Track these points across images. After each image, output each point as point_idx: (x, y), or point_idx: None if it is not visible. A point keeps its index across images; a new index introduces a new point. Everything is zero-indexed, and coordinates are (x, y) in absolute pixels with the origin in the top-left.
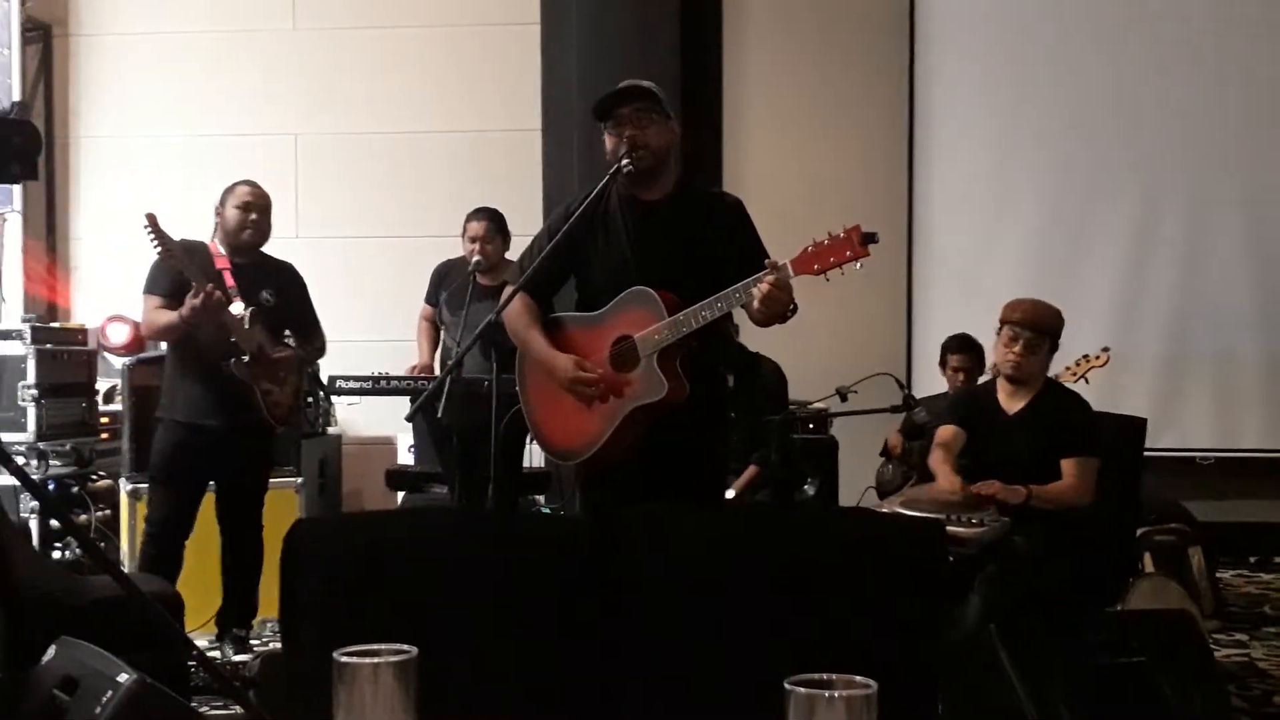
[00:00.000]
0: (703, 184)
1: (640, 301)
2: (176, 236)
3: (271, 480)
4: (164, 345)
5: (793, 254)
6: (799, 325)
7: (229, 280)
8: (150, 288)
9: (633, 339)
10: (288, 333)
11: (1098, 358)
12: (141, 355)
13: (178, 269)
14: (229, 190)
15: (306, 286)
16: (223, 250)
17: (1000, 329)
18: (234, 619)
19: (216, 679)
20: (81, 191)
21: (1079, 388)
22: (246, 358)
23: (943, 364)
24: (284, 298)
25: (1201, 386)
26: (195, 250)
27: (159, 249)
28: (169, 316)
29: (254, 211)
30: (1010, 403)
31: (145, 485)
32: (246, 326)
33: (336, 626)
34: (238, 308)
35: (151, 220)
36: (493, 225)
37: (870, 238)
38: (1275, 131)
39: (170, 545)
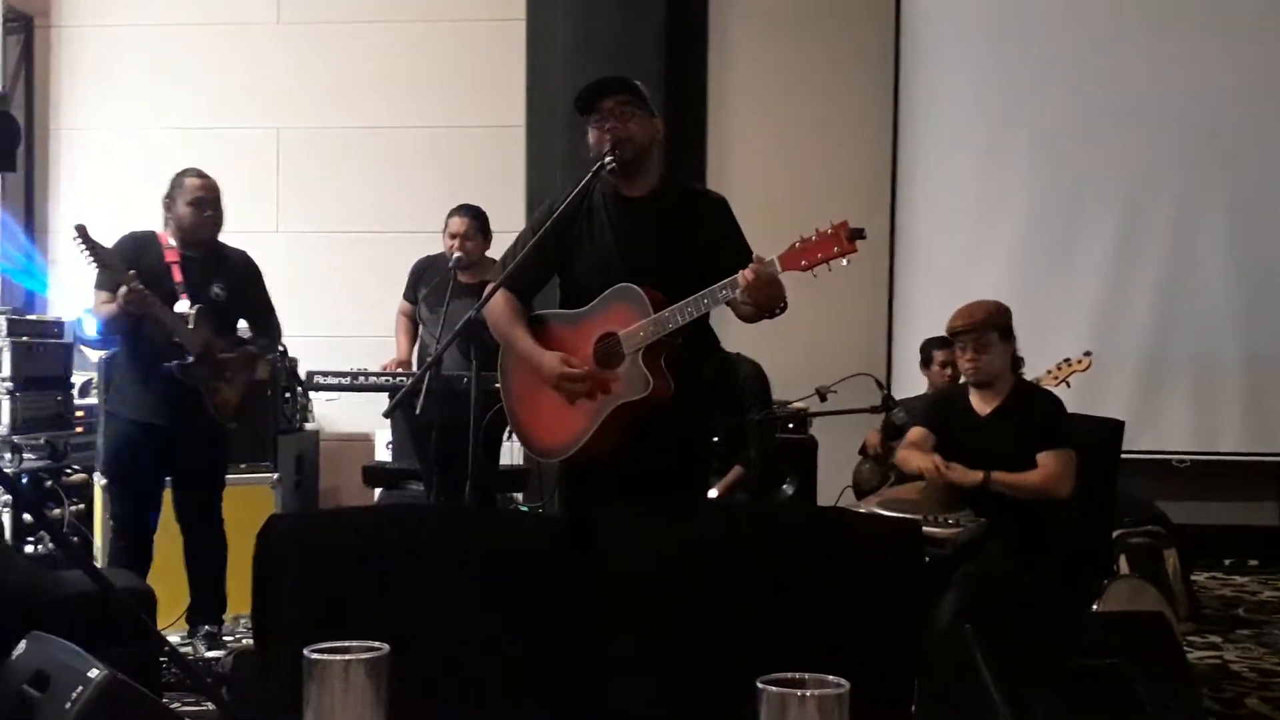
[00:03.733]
0: (687, 181)
1: (626, 298)
2: (142, 228)
3: (248, 476)
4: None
5: (778, 251)
6: (779, 325)
7: (177, 275)
8: (99, 284)
9: (617, 336)
10: (243, 324)
11: (1079, 361)
12: (117, 349)
13: (117, 272)
14: (177, 183)
15: (262, 275)
16: (173, 241)
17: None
18: (203, 614)
19: (188, 675)
20: (61, 183)
21: (1060, 391)
22: (190, 359)
23: (926, 364)
24: (237, 289)
25: (1180, 390)
26: (144, 243)
27: (91, 260)
28: (109, 309)
29: (208, 207)
30: (982, 405)
31: None
32: (190, 326)
33: (309, 623)
34: (182, 305)
35: (81, 232)
36: (474, 222)
37: (858, 233)
38: (1256, 137)
39: (136, 538)
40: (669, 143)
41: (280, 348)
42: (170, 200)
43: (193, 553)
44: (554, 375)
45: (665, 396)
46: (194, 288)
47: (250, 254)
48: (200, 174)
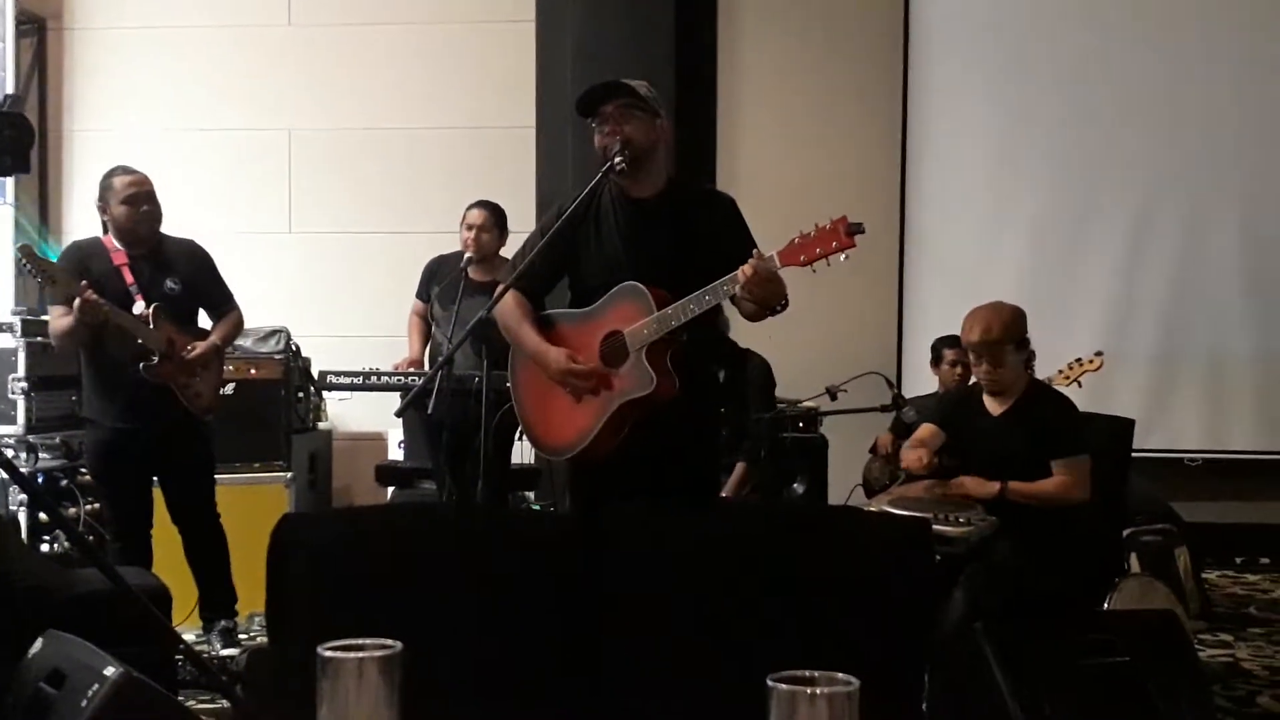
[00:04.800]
0: (695, 181)
1: (630, 297)
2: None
3: (261, 475)
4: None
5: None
6: (789, 323)
7: (128, 278)
8: (52, 299)
9: (622, 334)
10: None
11: (1091, 361)
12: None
13: (66, 286)
14: (106, 185)
15: (213, 262)
16: (119, 245)
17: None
18: (213, 609)
19: (203, 673)
20: (74, 185)
21: (1071, 390)
22: (156, 359)
23: (936, 362)
24: (190, 280)
25: (1191, 388)
26: (90, 250)
27: (39, 280)
28: (67, 322)
29: (143, 202)
30: (995, 405)
31: None
32: (151, 326)
33: (323, 621)
34: (139, 307)
35: (26, 253)
36: (492, 216)
37: (856, 228)
38: (1268, 135)
39: (134, 538)
40: (678, 143)
41: (294, 346)
42: (104, 204)
43: (192, 550)
44: (560, 371)
45: (670, 395)
46: (147, 286)
47: (198, 241)
48: (128, 170)
